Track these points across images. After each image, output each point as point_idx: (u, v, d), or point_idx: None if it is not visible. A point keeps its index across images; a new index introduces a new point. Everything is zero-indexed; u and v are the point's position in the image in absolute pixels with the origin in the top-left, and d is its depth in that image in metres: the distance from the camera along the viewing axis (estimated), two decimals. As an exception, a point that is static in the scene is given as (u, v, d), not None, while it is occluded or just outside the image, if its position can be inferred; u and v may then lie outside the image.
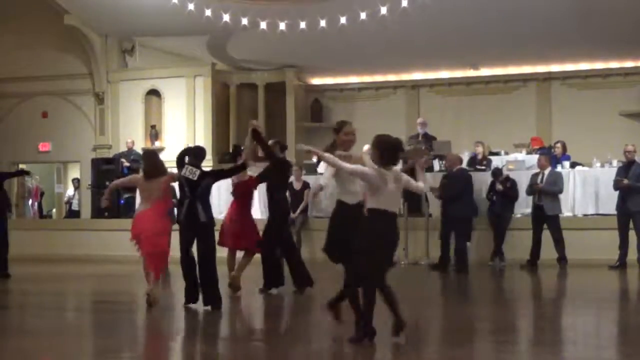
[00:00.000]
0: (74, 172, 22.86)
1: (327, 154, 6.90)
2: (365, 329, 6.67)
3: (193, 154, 9.28)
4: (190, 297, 9.06)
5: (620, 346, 7.04)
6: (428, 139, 16.42)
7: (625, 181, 13.33)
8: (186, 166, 9.05)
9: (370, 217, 6.66)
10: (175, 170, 9.42)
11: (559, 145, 16.09)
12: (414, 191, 7.06)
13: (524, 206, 14.66)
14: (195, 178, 8.97)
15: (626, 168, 13.60)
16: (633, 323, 8.31)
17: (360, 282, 6.67)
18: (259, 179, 10.43)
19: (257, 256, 10.27)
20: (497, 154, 17.03)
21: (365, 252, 6.57)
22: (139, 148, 20.20)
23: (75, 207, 21.83)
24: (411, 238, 14.62)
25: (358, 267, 6.62)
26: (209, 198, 9.21)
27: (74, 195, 22.15)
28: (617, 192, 13.60)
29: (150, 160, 9.70)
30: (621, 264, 13.10)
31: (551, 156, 15.24)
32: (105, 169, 18.57)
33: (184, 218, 8.96)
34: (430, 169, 15.25)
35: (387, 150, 6.70)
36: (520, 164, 15.67)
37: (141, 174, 9.89)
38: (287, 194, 11.09)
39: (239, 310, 9.64)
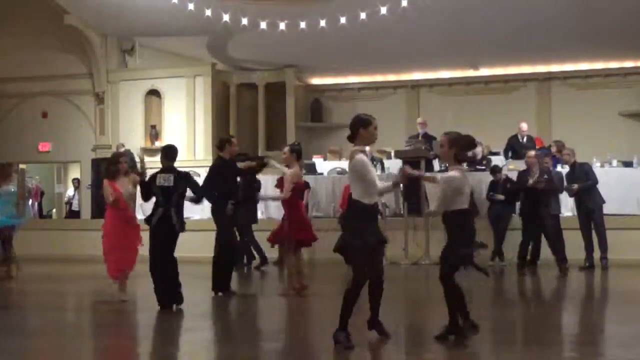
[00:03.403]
0: (74, 172, 22.86)
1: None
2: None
3: (163, 155, 9.30)
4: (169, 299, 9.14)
5: (619, 345, 7.04)
6: (428, 139, 16.42)
7: (575, 186, 13.20)
8: (159, 175, 9.07)
9: (460, 217, 6.79)
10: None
11: (553, 144, 16.19)
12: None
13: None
14: (172, 184, 8.98)
15: (571, 172, 13.52)
16: (630, 321, 8.31)
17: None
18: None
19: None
20: (497, 154, 17.04)
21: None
22: (139, 148, 20.23)
23: (75, 207, 21.83)
24: (411, 238, 14.62)
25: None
26: (183, 203, 9.22)
27: (74, 195, 22.14)
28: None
29: None
30: (590, 265, 13.09)
31: (551, 156, 15.24)
32: (105, 169, 18.54)
33: (156, 226, 9.01)
34: (430, 168, 15.25)
35: (468, 147, 6.90)
36: (520, 164, 15.66)
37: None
38: None
39: (236, 312, 9.64)
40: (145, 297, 9.59)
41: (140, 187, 9.35)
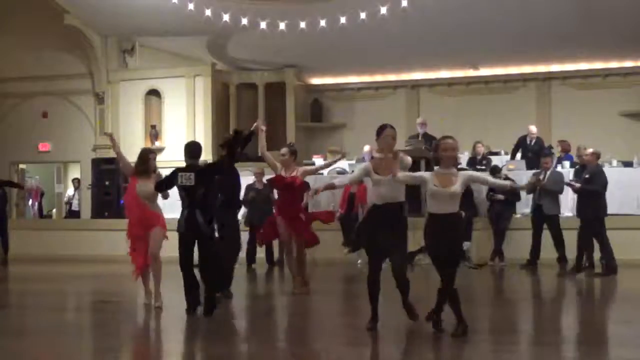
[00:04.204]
0: (74, 172, 22.87)
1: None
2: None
3: (187, 153, 8.77)
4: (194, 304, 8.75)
5: (620, 345, 7.04)
6: (428, 139, 16.42)
7: (578, 185, 12.78)
8: (180, 174, 8.62)
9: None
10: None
11: (558, 143, 16.18)
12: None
13: (524, 206, 14.67)
14: (193, 183, 8.55)
15: (581, 170, 13.36)
16: (631, 321, 8.32)
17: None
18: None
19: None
20: (497, 153, 17.05)
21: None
22: (139, 148, 20.16)
23: (75, 207, 21.83)
24: (411, 238, 14.59)
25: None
26: (210, 203, 8.73)
27: (74, 195, 22.15)
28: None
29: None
30: (590, 265, 13.01)
31: (552, 156, 15.23)
32: (105, 169, 18.57)
33: (184, 229, 8.55)
34: (430, 169, 15.25)
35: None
36: (520, 163, 15.68)
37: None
38: None
39: (237, 312, 9.63)
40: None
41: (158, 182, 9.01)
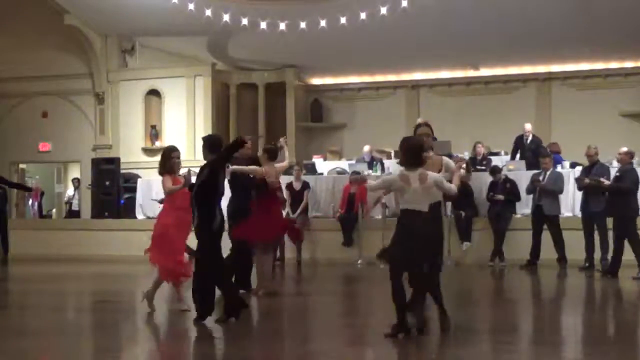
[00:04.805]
0: (74, 172, 22.87)
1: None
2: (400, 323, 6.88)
3: (208, 147, 8.33)
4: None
5: (618, 345, 7.04)
6: (428, 139, 16.43)
7: (587, 180, 12.75)
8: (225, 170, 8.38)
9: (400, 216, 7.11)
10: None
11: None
12: (446, 192, 7.24)
13: (524, 206, 14.67)
14: (229, 177, 8.51)
15: (589, 169, 13.32)
16: (630, 322, 8.32)
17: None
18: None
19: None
20: (497, 154, 17.05)
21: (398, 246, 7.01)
22: (139, 148, 20.25)
23: (75, 207, 21.83)
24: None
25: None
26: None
27: (74, 195, 22.15)
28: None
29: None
30: (590, 265, 12.99)
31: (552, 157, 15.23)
32: (105, 169, 18.57)
33: (220, 226, 8.21)
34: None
35: (409, 152, 7.11)
36: (519, 164, 15.68)
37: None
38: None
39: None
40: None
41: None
